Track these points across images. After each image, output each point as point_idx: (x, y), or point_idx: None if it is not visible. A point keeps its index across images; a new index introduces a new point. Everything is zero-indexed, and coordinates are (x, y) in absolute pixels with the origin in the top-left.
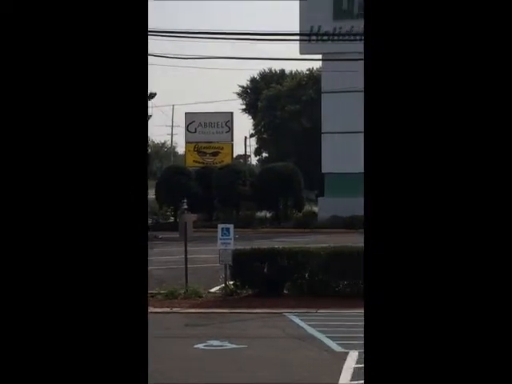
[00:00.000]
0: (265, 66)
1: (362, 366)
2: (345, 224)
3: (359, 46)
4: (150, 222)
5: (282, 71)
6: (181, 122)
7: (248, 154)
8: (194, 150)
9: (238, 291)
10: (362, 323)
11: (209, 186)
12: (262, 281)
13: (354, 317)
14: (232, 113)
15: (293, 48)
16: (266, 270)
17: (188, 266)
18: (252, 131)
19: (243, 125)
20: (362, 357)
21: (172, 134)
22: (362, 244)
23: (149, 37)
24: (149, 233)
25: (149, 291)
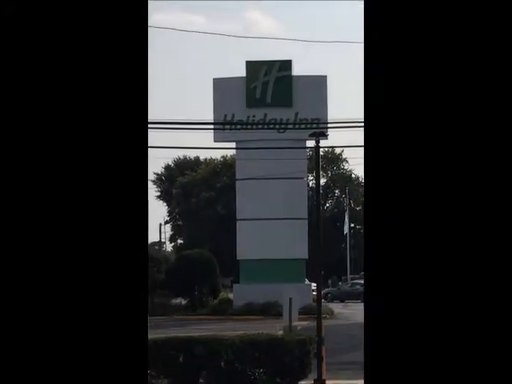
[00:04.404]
0: (179, 153)
1: None
2: (260, 310)
3: (272, 134)
4: None
5: (197, 158)
6: None
7: (163, 240)
8: None
9: (153, 381)
10: None
11: None
12: (178, 370)
13: None
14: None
15: (207, 136)
16: (181, 358)
17: None
18: (167, 218)
19: (158, 212)
20: None
21: None
22: (277, 332)
23: None
24: None
25: None
